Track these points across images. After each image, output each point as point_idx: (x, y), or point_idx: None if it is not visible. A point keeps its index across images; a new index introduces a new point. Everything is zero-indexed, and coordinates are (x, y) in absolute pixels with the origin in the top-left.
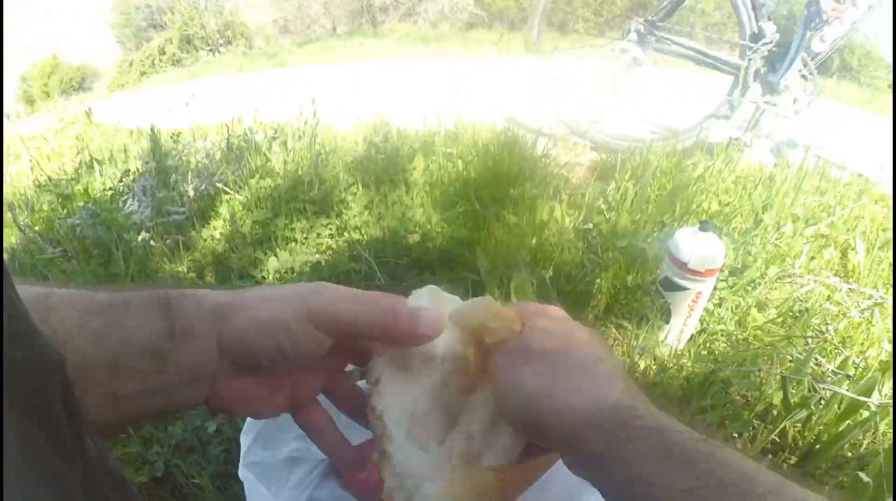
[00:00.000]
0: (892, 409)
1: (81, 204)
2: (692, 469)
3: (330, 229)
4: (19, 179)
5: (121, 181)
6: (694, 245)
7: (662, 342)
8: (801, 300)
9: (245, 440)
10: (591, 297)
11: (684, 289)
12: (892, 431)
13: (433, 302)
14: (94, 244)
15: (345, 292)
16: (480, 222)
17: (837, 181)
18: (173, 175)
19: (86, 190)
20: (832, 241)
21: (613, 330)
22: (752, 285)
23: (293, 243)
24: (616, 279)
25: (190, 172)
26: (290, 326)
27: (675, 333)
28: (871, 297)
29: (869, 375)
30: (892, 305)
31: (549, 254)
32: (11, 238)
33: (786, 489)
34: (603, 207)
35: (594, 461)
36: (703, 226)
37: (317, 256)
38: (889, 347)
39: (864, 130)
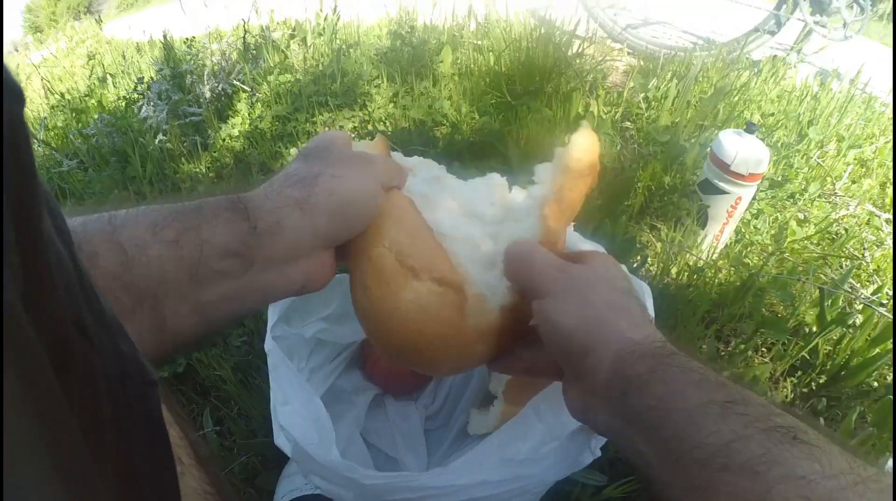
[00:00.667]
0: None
1: (96, 116)
2: (710, 387)
3: (353, 121)
4: (32, 102)
5: (134, 90)
6: (738, 146)
7: (697, 246)
8: (838, 222)
9: (272, 313)
10: (628, 194)
11: (724, 193)
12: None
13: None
14: (111, 152)
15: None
16: (512, 115)
17: (882, 115)
18: (188, 78)
19: (99, 102)
20: (872, 172)
21: (647, 232)
22: (792, 199)
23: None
24: (653, 179)
25: (206, 74)
26: (374, 189)
27: (710, 239)
28: None
29: None
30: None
31: None
32: None
33: (791, 411)
34: (642, 105)
35: (625, 388)
36: (749, 127)
37: None
38: None
39: None
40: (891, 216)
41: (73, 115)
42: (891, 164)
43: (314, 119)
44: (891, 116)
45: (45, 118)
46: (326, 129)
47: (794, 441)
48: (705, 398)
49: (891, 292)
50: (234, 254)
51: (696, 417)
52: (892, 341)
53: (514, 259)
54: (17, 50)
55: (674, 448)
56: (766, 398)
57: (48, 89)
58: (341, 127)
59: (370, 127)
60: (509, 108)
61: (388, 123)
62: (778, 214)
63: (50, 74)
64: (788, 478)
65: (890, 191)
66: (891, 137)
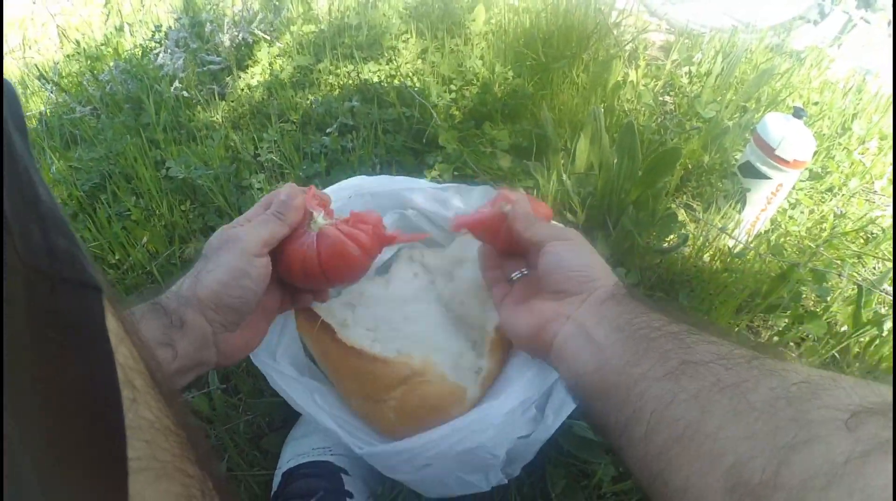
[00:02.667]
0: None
1: (111, 64)
2: (652, 315)
3: (379, 74)
4: (47, 51)
5: (152, 39)
6: (785, 130)
7: (732, 231)
8: (874, 222)
9: None
10: (671, 168)
11: (766, 177)
12: None
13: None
14: (125, 99)
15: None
16: (546, 78)
17: None
18: (208, 26)
19: (115, 50)
20: None
21: (682, 212)
22: (831, 193)
23: (337, 90)
24: (691, 157)
25: (226, 23)
26: (245, 268)
27: (746, 225)
28: None
29: None
30: None
31: (622, 119)
32: (39, 104)
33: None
34: (684, 80)
35: (595, 316)
36: (797, 112)
37: (363, 103)
38: None
39: None
40: None
41: (88, 62)
42: None
43: (337, 71)
44: None
45: (58, 64)
46: (350, 81)
47: (698, 329)
48: (645, 324)
49: None
50: (164, 344)
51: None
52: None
53: (521, 218)
54: (34, 2)
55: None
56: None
57: (63, 36)
58: (366, 80)
59: (396, 81)
60: (544, 71)
61: (415, 79)
62: (815, 206)
63: (66, 22)
64: (702, 341)
65: None
66: None
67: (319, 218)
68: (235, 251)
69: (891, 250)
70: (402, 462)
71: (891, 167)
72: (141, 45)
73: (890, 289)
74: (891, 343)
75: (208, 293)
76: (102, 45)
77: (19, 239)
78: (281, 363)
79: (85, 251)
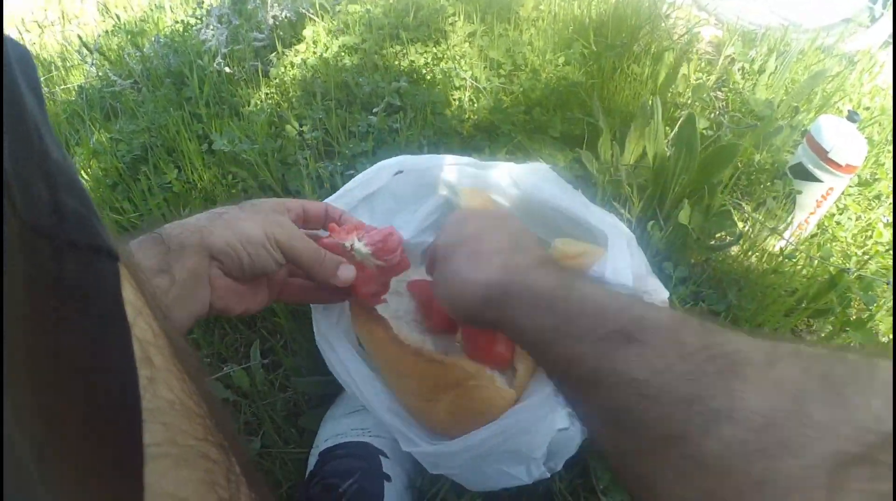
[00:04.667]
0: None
1: (153, 38)
2: (553, 310)
3: (426, 56)
4: (86, 25)
5: (193, 14)
6: (839, 134)
7: (782, 233)
8: None
9: None
10: (727, 164)
11: (818, 180)
12: None
13: None
14: (166, 73)
15: (297, 232)
16: (597, 67)
17: None
18: (251, 3)
19: (156, 25)
20: None
21: (731, 209)
22: (878, 200)
23: (384, 70)
24: (742, 155)
25: None
26: (260, 242)
27: (795, 227)
28: None
29: None
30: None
31: (673, 112)
32: (80, 78)
33: (633, 309)
34: (738, 77)
35: (501, 329)
36: (851, 116)
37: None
38: None
39: None
40: None
41: (129, 38)
42: None
43: (384, 52)
44: None
45: (99, 37)
46: (397, 63)
47: (629, 343)
48: (549, 324)
49: None
50: (160, 271)
51: (543, 343)
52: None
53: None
54: None
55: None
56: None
57: (105, 10)
58: (412, 62)
59: (444, 64)
60: (595, 59)
61: (463, 62)
62: (863, 213)
63: None
64: (620, 383)
65: None
66: None
67: (362, 248)
68: (260, 222)
69: None
70: (446, 461)
71: None
72: (182, 21)
73: None
74: None
75: (227, 230)
76: (142, 20)
77: (19, 194)
78: (343, 347)
79: (99, 215)
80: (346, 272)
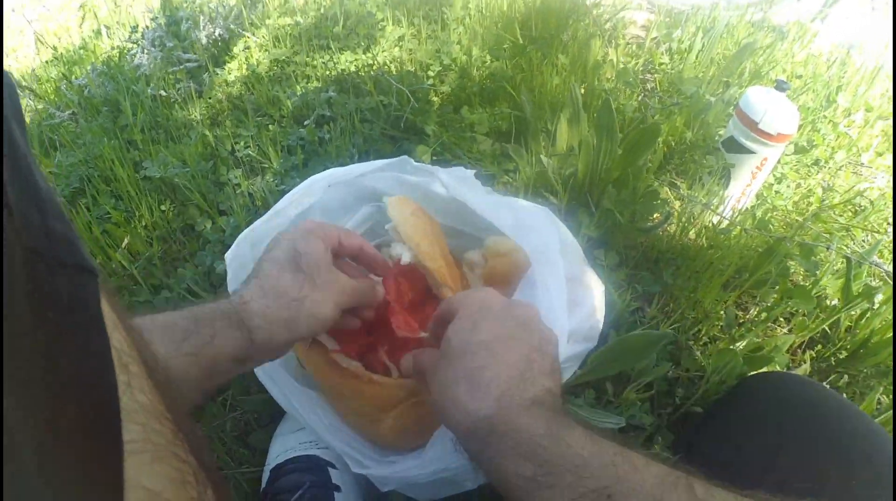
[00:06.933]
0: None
1: (88, 67)
2: (535, 459)
3: (356, 64)
4: (25, 58)
5: (129, 39)
6: (768, 104)
7: (717, 207)
8: (862, 195)
9: (231, 266)
10: (651, 146)
11: (750, 152)
12: None
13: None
14: (103, 102)
15: (355, 285)
16: (525, 60)
17: None
18: (184, 24)
19: (93, 53)
20: None
21: (666, 190)
22: (817, 166)
23: (314, 81)
24: (673, 134)
25: (202, 18)
26: (333, 318)
27: (732, 201)
28: None
29: None
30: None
31: (601, 98)
32: None
33: (616, 467)
34: (665, 58)
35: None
36: (780, 85)
37: (340, 93)
38: None
39: None
40: None
41: (66, 67)
42: None
43: (314, 62)
44: None
45: (35, 70)
46: (328, 72)
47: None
48: (528, 473)
49: None
50: (238, 360)
51: (519, 489)
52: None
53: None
54: (13, 11)
55: None
56: (588, 450)
57: (40, 42)
58: (343, 70)
59: (373, 71)
60: (523, 53)
61: (392, 67)
62: (802, 180)
63: (44, 28)
64: None
65: None
66: None
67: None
68: (336, 298)
69: (880, 221)
70: (394, 482)
71: (878, 139)
72: (118, 46)
73: (880, 261)
74: (881, 316)
75: (312, 321)
76: (81, 48)
77: (19, 220)
78: (283, 378)
79: (79, 237)
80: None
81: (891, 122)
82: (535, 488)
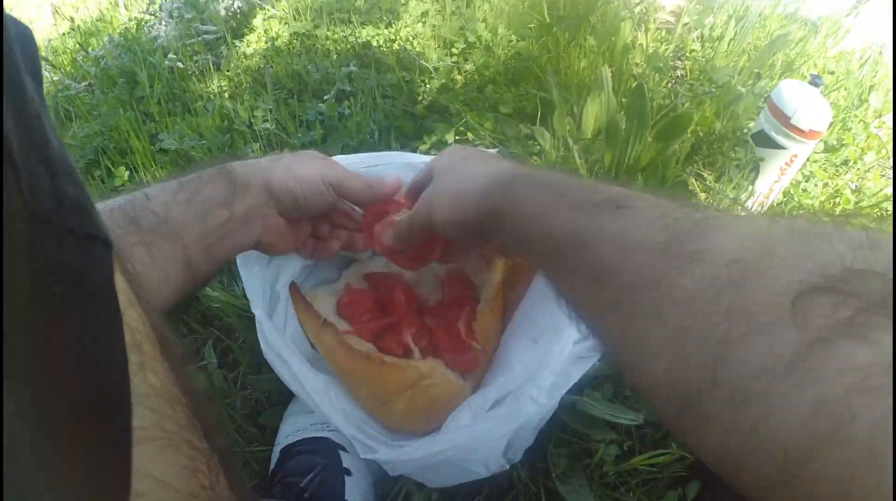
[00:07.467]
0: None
1: (106, 38)
2: (551, 187)
3: (378, 39)
4: (42, 31)
5: (146, 11)
6: (801, 99)
7: (744, 202)
8: (890, 199)
9: None
10: (682, 134)
11: (781, 147)
12: None
13: None
14: (119, 73)
15: (348, 173)
16: (552, 41)
17: None
18: None
19: (110, 23)
20: None
21: (692, 180)
22: (846, 166)
23: (335, 55)
24: (702, 124)
25: None
26: (315, 182)
27: (759, 196)
28: None
29: None
30: None
31: (630, 83)
32: None
33: (622, 187)
34: (696, 45)
35: (499, 217)
36: (814, 80)
37: (361, 68)
38: None
39: None
40: None
41: (83, 39)
42: None
43: (335, 36)
44: None
45: (52, 42)
46: (349, 47)
47: (617, 208)
48: (548, 198)
49: None
50: (224, 204)
51: (541, 215)
52: None
53: (409, 222)
54: None
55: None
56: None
57: (58, 13)
58: (365, 45)
59: (396, 46)
60: (550, 33)
61: (415, 43)
62: (830, 179)
63: (62, 0)
64: (604, 241)
65: None
66: None
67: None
68: (318, 168)
69: None
70: (404, 466)
71: None
72: (136, 18)
73: None
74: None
75: (287, 174)
76: (98, 20)
77: (26, 181)
78: (293, 359)
79: (93, 203)
80: (391, 181)
81: None
82: (554, 208)
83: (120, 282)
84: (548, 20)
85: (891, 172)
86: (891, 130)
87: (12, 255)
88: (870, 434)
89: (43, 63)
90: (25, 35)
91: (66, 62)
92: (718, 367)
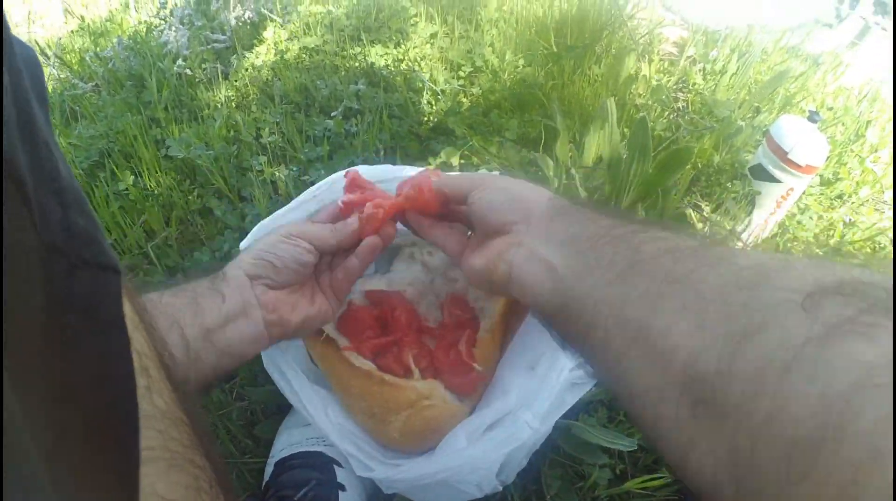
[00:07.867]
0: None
1: (115, 40)
2: (599, 221)
3: (386, 58)
4: (51, 27)
5: (157, 15)
6: (799, 134)
7: (740, 234)
8: (883, 233)
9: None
10: (683, 166)
11: (777, 181)
12: None
13: None
14: (127, 76)
15: (305, 223)
16: (558, 69)
17: None
18: (214, 4)
19: (120, 26)
20: None
21: (690, 211)
22: (840, 200)
23: (343, 72)
24: (701, 156)
25: (232, 0)
26: (278, 240)
27: (755, 228)
28: None
29: None
30: None
31: (633, 113)
32: None
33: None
34: (698, 78)
35: (542, 236)
36: (812, 116)
37: (369, 87)
38: None
39: None
40: None
41: (92, 39)
42: None
43: (344, 53)
44: None
45: (62, 39)
46: (357, 64)
47: (646, 227)
48: (593, 233)
49: None
50: (213, 288)
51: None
52: None
53: (446, 181)
54: None
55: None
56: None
57: (68, 11)
58: (373, 64)
59: (404, 66)
60: (556, 61)
61: (423, 64)
62: (825, 212)
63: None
64: (647, 240)
65: None
66: None
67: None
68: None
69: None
70: (399, 484)
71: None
72: (146, 21)
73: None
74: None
75: (249, 258)
76: (107, 21)
77: (38, 214)
78: (293, 373)
79: (102, 232)
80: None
81: None
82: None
83: (126, 307)
84: (555, 48)
85: (885, 206)
86: (886, 165)
87: (27, 286)
88: (873, 432)
89: (52, 60)
90: (30, 57)
91: (73, 61)
92: (736, 358)
